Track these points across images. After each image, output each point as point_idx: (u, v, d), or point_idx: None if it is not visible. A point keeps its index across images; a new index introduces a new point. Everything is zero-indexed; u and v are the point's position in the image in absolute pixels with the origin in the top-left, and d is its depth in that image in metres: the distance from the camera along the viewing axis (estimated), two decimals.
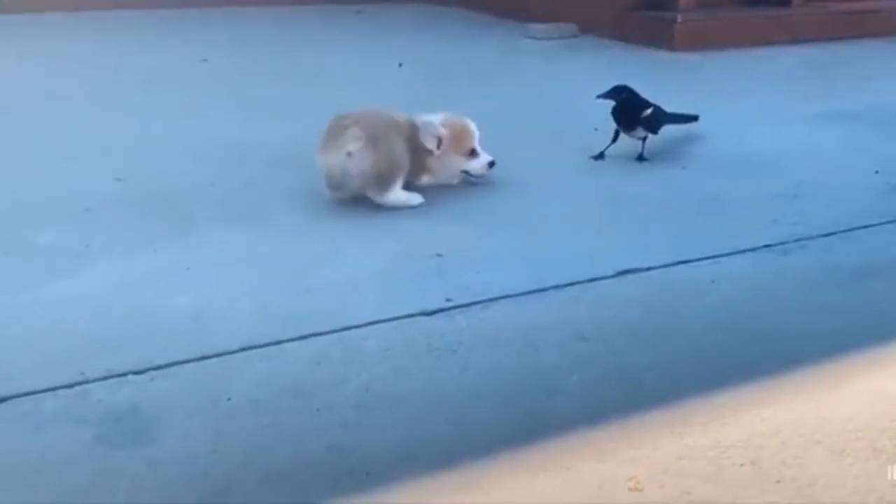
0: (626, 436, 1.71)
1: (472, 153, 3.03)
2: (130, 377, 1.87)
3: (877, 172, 3.28)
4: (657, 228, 2.75)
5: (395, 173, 2.82)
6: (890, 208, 2.93)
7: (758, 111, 4.21)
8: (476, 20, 6.81)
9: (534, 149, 3.56)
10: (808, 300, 2.30)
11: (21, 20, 6.26)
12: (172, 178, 3.10)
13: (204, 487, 1.56)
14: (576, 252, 2.56)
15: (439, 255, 2.51)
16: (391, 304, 2.20)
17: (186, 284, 2.30)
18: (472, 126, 3.04)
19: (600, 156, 3.41)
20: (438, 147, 2.94)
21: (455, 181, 3.08)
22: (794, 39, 5.86)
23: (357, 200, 2.84)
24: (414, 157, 2.90)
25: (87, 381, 1.85)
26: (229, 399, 1.81)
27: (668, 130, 3.53)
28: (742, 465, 1.63)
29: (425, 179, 3.02)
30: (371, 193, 2.82)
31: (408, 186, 2.92)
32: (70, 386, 1.83)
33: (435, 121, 2.97)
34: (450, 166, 3.03)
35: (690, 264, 2.48)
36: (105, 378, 1.86)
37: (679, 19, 5.69)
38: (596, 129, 3.51)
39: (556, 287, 2.32)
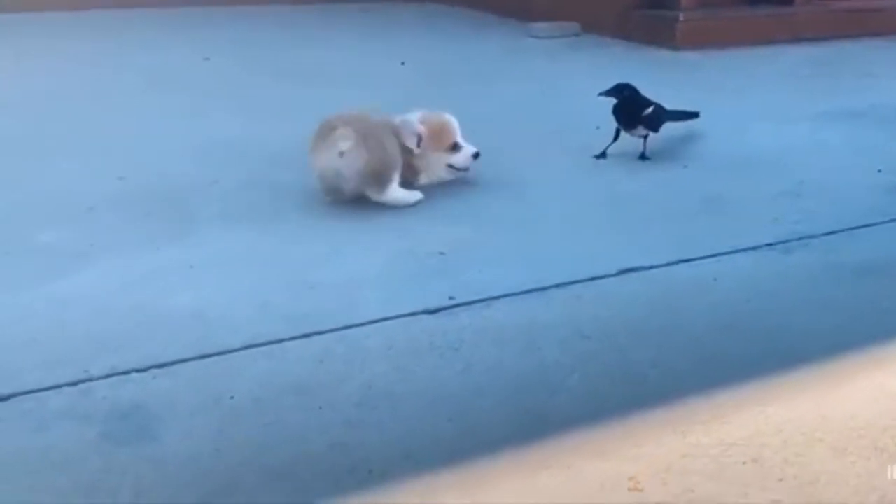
0: (629, 434, 1.71)
1: (455, 147, 3.02)
2: (133, 375, 1.88)
3: (880, 171, 3.28)
4: (659, 227, 2.75)
5: (390, 170, 2.82)
6: (893, 207, 2.93)
7: (760, 110, 4.21)
8: (478, 19, 6.81)
9: (536, 147, 3.56)
10: (811, 298, 2.30)
11: (21, 19, 6.26)
12: (174, 178, 3.10)
13: (207, 485, 1.56)
14: (578, 250, 2.56)
15: (441, 253, 2.51)
16: (393, 302, 2.20)
17: (189, 283, 2.31)
18: (452, 120, 3.04)
19: (602, 154, 3.41)
20: (419, 145, 2.94)
21: (448, 177, 3.08)
22: (797, 38, 5.86)
23: (358, 200, 2.84)
24: (403, 156, 2.91)
25: (90, 380, 1.85)
26: (232, 397, 1.81)
27: (669, 129, 3.53)
28: (744, 463, 1.63)
29: (422, 180, 3.02)
30: (369, 192, 2.82)
31: (407, 186, 2.92)
32: (73, 384, 1.84)
33: (413, 119, 2.97)
34: (435, 163, 3.02)
35: (692, 263, 2.48)
36: (108, 376, 1.87)
37: (681, 18, 5.68)
38: (598, 128, 3.51)
39: (558, 285, 2.32)
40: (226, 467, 1.60)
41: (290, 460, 1.63)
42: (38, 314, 2.13)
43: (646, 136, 3.41)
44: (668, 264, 2.46)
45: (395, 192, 2.85)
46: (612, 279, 2.37)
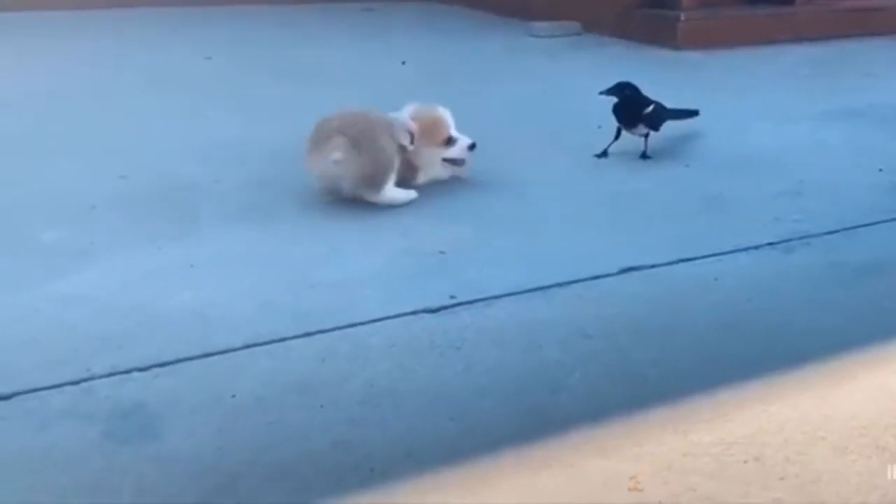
0: (630, 433, 1.72)
1: (450, 141, 3.01)
2: (135, 374, 1.88)
3: (881, 170, 3.28)
4: (660, 226, 2.75)
5: (384, 173, 2.82)
6: (893, 206, 2.93)
7: (761, 109, 4.21)
8: (478, 18, 6.81)
9: (537, 147, 3.56)
10: (812, 298, 2.30)
11: (22, 18, 6.26)
12: (176, 177, 3.10)
13: (209, 484, 1.56)
14: (579, 250, 2.56)
15: (443, 252, 2.51)
16: (395, 301, 2.20)
17: (190, 282, 2.31)
18: (445, 114, 3.02)
19: (603, 154, 3.41)
20: (412, 142, 2.93)
21: (446, 174, 3.07)
22: (798, 38, 5.85)
23: (358, 199, 2.84)
24: (401, 154, 2.91)
25: (92, 378, 1.85)
26: (234, 396, 1.81)
27: (671, 129, 3.54)
28: (746, 461, 1.63)
29: (421, 178, 3.02)
30: (364, 194, 2.82)
31: (405, 185, 2.92)
32: (75, 383, 1.84)
33: (405, 116, 2.97)
34: (431, 158, 3.01)
35: (694, 262, 2.49)
36: (110, 375, 1.87)
37: (682, 17, 5.68)
38: (599, 127, 3.51)
39: (560, 284, 2.32)
40: (228, 466, 1.61)
41: (292, 459, 1.63)
42: (40, 313, 2.14)
43: (647, 135, 3.41)
44: (669, 263, 2.46)
45: (390, 192, 2.85)
46: (613, 278, 2.37)
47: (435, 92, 3.16)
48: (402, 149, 2.91)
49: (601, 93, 3.36)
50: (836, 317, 2.20)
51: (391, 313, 2.14)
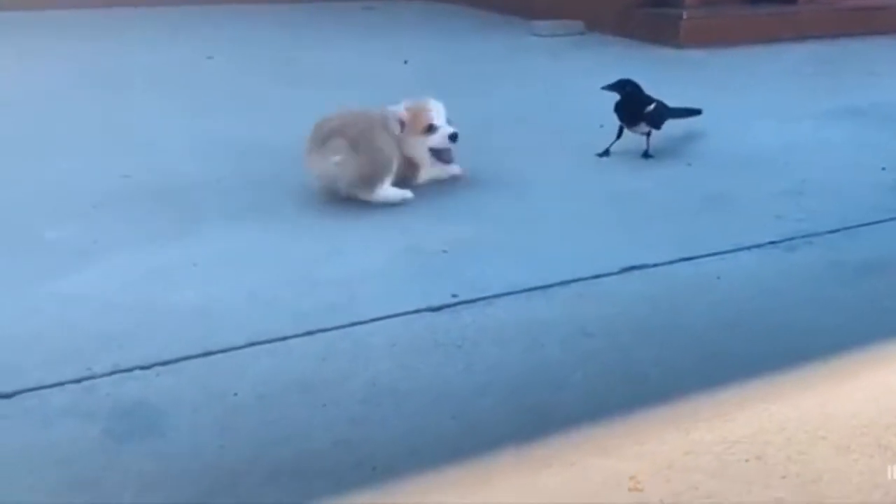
0: (632, 431, 1.72)
1: (430, 129, 2.98)
2: (137, 372, 1.88)
3: (883, 169, 3.27)
4: (662, 225, 2.75)
5: (381, 173, 2.84)
6: (895, 205, 2.92)
7: (763, 108, 4.21)
8: (481, 17, 6.81)
9: (539, 145, 3.56)
10: (814, 297, 2.30)
11: (23, 18, 6.27)
12: (178, 176, 3.11)
13: (210, 482, 1.56)
14: (580, 248, 2.56)
15: (444, 251, 2.51)
16: (397, 299, 2.20)
17: (193, 280, 2.31)
18: (433, 104, 3.01)
19: (605, 153, 3.41)
20: (402, 130, 2.94)
21: (444, 174, 3.07)
22: (800, 36, 5.85)
23: (353, 198, 2.84)
24: (401, 151, 2.92)
25: (94, 377, 1.86)
26: (236, 394, 1.81)
27: (673, 127, 3.53)
28: (747, 460, 1.63)
29: (422, 177, 3.01)
30: (359, 193, 2.83)
31: (404, 185, 2.92)
32: (77, 381, 1.84)
33: (398, 106, 2.98)
34: (417, 147, 2.99)
35: (695, 261, 2.48)
36: (112, 373, 1.87)
37: (684, 16, 5.68)
38: (601, 126, 3.51)
39: (561, 283, 2.32)
40: (229, 464, 1.61)
41: (293, 457, 1.63)
42: (42, 311, 2.14)
43: (648, 134, 3.41)
44: (670, 262, 2.46)
45: (386, 191, 2.85)
46: (614, 277, 2.37)
47: (437, 91, 3.15)
48: (400, 143, 2.92)
49: (603, 87, 3.36)
50: (838, 316, 2.20)
51: (392, 312, 2.14)
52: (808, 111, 4.11)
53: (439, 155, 3.04)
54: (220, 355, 1.95)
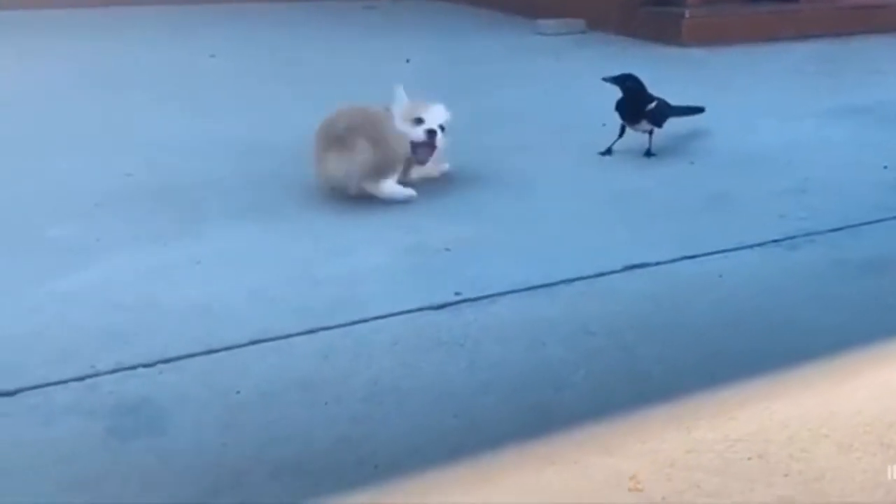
0: (634, 430, 1.72)
1: (418, 121, 2.96)
2: (140, 370, 1.88)
3: (885, 167, 3.27)
4: (664, 223, 2.75)
5: (393, 164, 2.84)
6: None
7: (766, 106, 4.21)
8: (483, 16, 6.81)
9: (541, 144, 3.56)
10: (816, 295, 2.30)
11: (24, 17, 6.27)
12: (180, 174, 3.11)
13: (213, 479, 1.57)
14: (583, 247, 2.56)
15: (447, 249, 2.51)
16: (399, 298, 2.20)
17: (195, 278, 2.31)
18: (429, 104, 3.00)
19: (607, 151, 3.41)
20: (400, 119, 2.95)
21: (436, 171, 3.06)
22: (802, 35, 5.85)
23: (361, 197, 2.84)
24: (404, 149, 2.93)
25: (97, 374, 1.86)
26: (238, 392, 1.81)
27: (675, 126, 3.53)
28: (750, 458, 1.63)
29: (414, 174, 3.01)
30: (366, 184, 2.82)
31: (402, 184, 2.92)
32: (80, 379, 1.84)
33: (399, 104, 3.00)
34: (405, 140, 2.96)
35: (698, 259, 2.48)
36: (115, 371, 1.87)
37: (687, 15, 5.68)
38: (604, 125, 3.51)
39: (564, 282, 2.32)
40: (232, 462, 1.61)
41: (296, 455, 1.63)
42: (45, 309, 2.14)
43: (650, 132, 3.41)
44: (673, 261, 2.46)
45: (391, 186, 2.85)
46: (617, 276, 2.37)
47: (440, 90, 3.15)
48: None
49: (604, 78, 3.35)
50: (841, 314, 2.20)
51: (395, 310, 2.15)
52: (811, 110, 4.10)
53: (415, 150, 2.99)
54: (222, 353, 1.96)
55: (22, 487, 1.55)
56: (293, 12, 6.91)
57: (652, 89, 3.40)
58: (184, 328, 2.05)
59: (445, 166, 3.13)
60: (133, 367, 1.89)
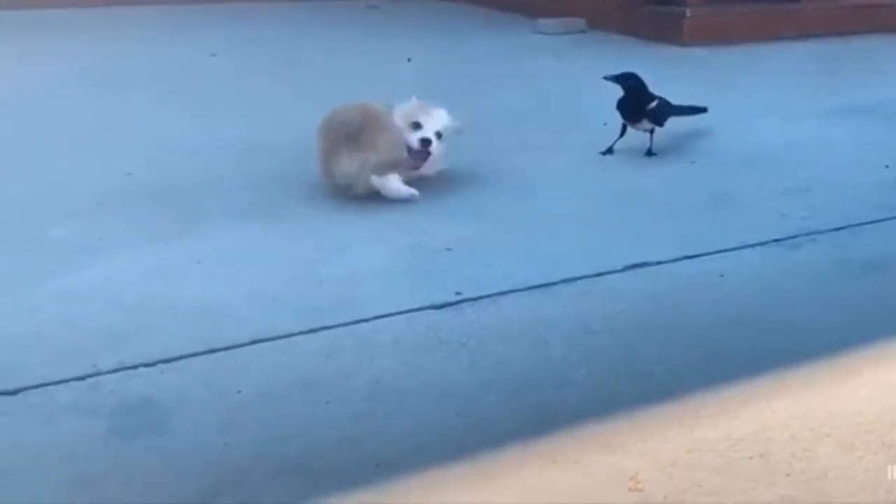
0: (635, 429, 1.72)
1: (416, 126, 2.94)
2: (142, 370, 1.88)
3: (887, 167, 3.27)
4: (666, 223, 2.75)
5: (397, 158, 2.84)
6: None
7: (767, 106, 4.21)
8: (484, 15, 6.81)
9: (542, 143, 3.56)
10: (818, 294, 2.29)
11: (22, 17, 6.27)
12: (181, 174, 3.11)
13: (215, 479, 1.56)
14: (584, 246, 2.56)
15: (448, 249, 2.51)
16: (401, 297, 2.20)
17: (196, 278, 2.31)
18: (431, 108, 2.98)
19: (609, 150, 3.41)
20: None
21: (431, 171, 3.04)
22: (803, 34, 5.85)
23: (363, 196, 2.84)
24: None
25: (98, 374, 1.86)
26: (239, 391, 1.81)
27: (676, 125, 3.53)
28: (751, 458, 1.63)
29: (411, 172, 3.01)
30: (374, 181, 2.81)
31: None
32: (81, 378, 1.84)
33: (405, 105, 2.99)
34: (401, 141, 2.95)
35: (699, 258, 2.48)
36: (116, 370, 1.87)
37: (688, 14, 5.68)
38: (605, 124, 3.51)
39: (565, 281, 2.32)
40: (233, 461, 1.61)
41: (297, 454, 1.63)
42: (47, 308, 2.14)
43: (652, 131, 3.41)
44: (674, 260, 2.46)
45: (396, 183, 2.84)
46: (618, 275, 2.37)
47: (440, 89, 3.16)
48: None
49: (605, 77, 3.35)
50: (842, 313, 2.20)
51: (396, 310, 2.14)
52: (812, 109, 4.10)
53: (409, 154, 2.95)
54: (223, 353, 1.96)
55: (23, 487, 1.55)
56: (294, 12, 6.91)
57: (653, 89, 3.39)
58: (185, 328, 2.05)
59: (439, 166, 3.11)
60: (134, 367, 1.89)
